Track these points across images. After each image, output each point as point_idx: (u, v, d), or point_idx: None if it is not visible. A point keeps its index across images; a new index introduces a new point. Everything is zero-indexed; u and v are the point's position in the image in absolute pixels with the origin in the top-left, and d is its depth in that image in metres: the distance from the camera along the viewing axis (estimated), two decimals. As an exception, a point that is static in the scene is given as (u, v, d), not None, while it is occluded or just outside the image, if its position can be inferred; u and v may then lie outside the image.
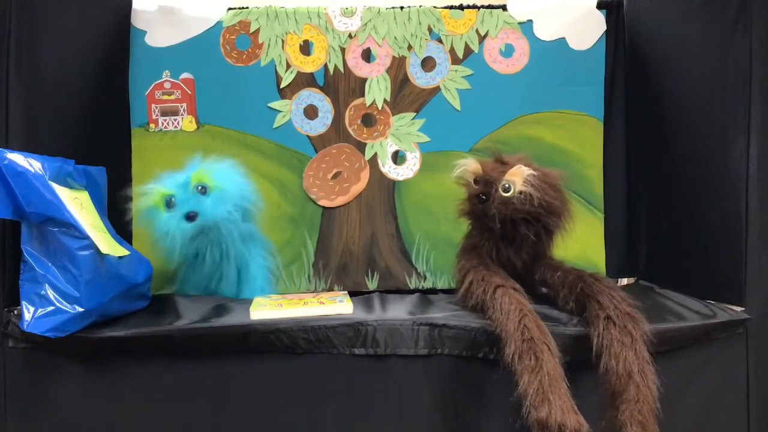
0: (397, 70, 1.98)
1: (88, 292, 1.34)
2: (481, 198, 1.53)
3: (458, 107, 1.98)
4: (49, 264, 1.35)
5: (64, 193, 1.37)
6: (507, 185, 1.50)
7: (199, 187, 1.62)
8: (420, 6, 1.99)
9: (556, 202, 1.53)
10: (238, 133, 1.91)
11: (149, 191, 1.62)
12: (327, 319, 1.44)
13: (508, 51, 1.99)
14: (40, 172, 1.34)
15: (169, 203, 1.60)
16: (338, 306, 1.50)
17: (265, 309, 1.48)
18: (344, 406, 1.41)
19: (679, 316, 1.50)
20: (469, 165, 1.59)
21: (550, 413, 1.18)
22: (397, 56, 1.97)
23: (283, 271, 1.90)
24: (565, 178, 1.60)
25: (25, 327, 1.34)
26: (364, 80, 1.97)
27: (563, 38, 1.98)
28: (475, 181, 1.57)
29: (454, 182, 1.64)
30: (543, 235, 1.55)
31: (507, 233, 1.53)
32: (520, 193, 1.49)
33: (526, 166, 1.52)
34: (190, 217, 1.59)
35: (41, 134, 1.50)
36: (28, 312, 1.34)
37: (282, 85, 1.94)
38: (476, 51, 1.98)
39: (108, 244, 1.41)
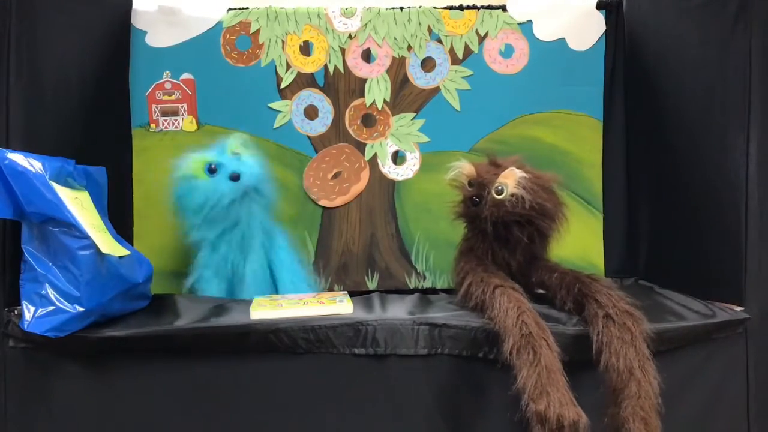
0: (397, 70, 1.98)
1: (89, 292, 1.34)
2: (474, 200, 1.54)
3: (458, 107, 1.98)
4: (50, 264, 1.35)
5: (64, 193, 1.37)
6: (500, 188, 1.51)
7: (235, 154, 1.71)
8: (420, 6, 1.99)
9: (548, 205, 1.53)
10: (239, 133, 1.91)
11: (188, 160, 1.69)
12: (327, 319, 1.44)
13: (507, 51, 1.99)
14: (41, 172, 1.34)
15: (211, 169, 1.68)
16: (338, 306, 1.50)
17: (265, 309, 1.48)
18: (344, 406, 1.41)
19: (679, 315, 1.50)
20: (464, 168, 1.60)
21: (548, 405, 1.19)
22: (396, 57, 1.97)
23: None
24: (558, 180, 1.60)
25: (25, 327, 1.34)
26: (364, 80, 1.97)
27: (563, 38, 1.98)
28: (469, 184, 1.58)
29: (448, 184, 1.65)
30: (536, 238, 1.55)
31: (500, 235, 1.54)
32: (512, 195, 1.49)
33: (519, 168, 1.53)
34: (234, 177, 1.67)
35: (41, 134, 1.50)
36: (28, 312, 1.34)
37: (282, 86, 1.94)
38: (476, 51, 1.98)
39: (108, 244, 1.41)
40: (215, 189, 1.66)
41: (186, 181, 1.69)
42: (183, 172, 1.69)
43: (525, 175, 1.51)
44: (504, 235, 1.53)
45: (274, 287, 1.74)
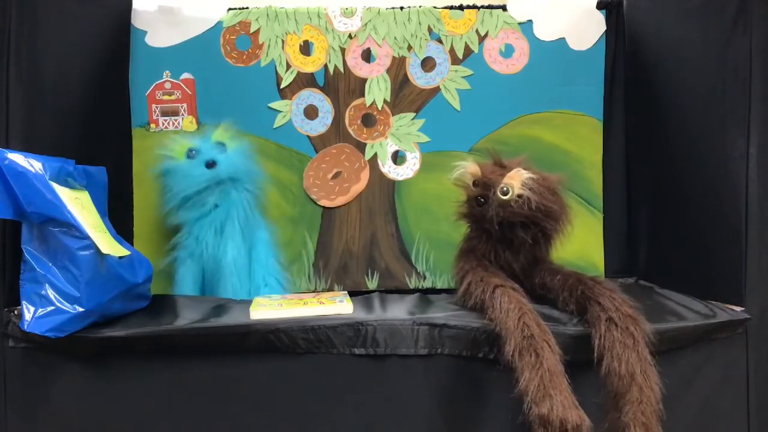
0: (397, 70, 1.98)
1: (89, 292, 1.34)
2: (479, 201, 1.53)
3: (458, 107, 1.98)
4: (50, 264, 1.35)
5: (64, 193, 1.37)
6: (505, 188, 1.50)
7: (219, 143, 1.78)
8: (420, 6, 1.99)
9: (554, 206, 1.52)
10: (238, 133, 1.91)
11: (172, 143, 1.78)
12: (327, 319, 1.44)
13: (508, 51, 1.99)
14: (41, 172, 1.34)
15: (190, 154, 1.75)
16: (338, 306, 1.50)
17: (265, 309, 1.48)
18: (344, 406, 1.41)
19: (679, 316, 1.50)
20: (468, 167, 1.59)
21: (551, 409, 1.18)
22: (397, 56, 1.97)
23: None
24: (563, 182, 1.60)
25: (25, 327, 1.34)
26: (364, 80, 1.97)
27: (563, 38, 1.98)
28: (474, 184, 1.57)
29: (452, 184, 1.64)
30: (540, 239, 1.55)
31: (505, 236, 1.53)
32: (519, 196, 1.48)
33: (525, 169, 1.52)
34: (209, 164, 1.73)
35: (41, 134, 1.50)
36: (28, 312, 1.34)
37: (282, 85, 1.94)
38: (476, 51, 1.98)
39: (108, 244, 1.41)
40: (189, 173, 1.72)
41: (166, 162, 1.76)
42: (165, 152, 1.76)
43: (531, 176, 1.50)
44: (508, 236, 1.53)
45: (249, 279, 1.78)
